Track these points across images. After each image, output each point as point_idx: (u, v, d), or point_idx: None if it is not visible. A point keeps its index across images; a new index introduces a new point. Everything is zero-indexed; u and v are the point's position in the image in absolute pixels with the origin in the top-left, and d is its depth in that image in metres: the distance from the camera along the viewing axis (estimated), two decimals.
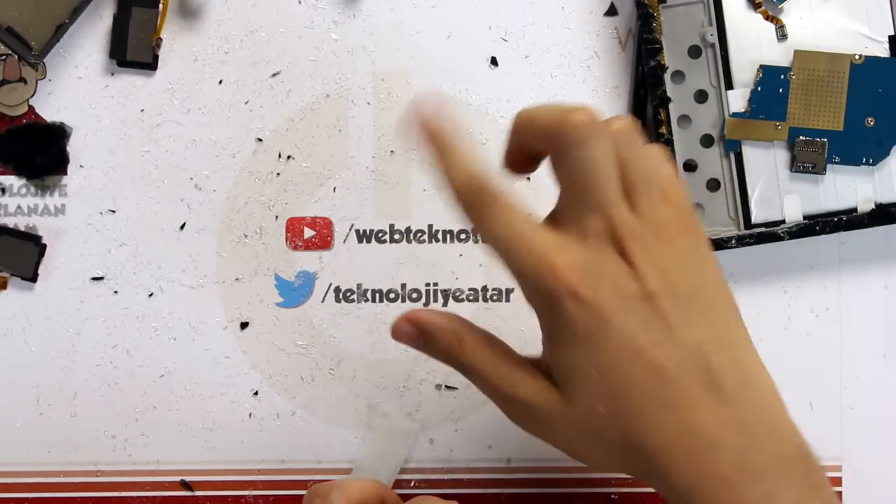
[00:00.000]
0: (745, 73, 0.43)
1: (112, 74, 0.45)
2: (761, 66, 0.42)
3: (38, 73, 0.45)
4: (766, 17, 0.43)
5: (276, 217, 0.45)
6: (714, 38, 0.43)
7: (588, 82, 0.45)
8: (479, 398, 0.45)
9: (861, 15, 0.42)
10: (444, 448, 0.45)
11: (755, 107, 0.42)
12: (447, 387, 0.45)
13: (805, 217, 0.43)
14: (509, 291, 0.45)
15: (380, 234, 0.45)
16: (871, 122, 0.42)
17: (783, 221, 0.43)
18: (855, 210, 0.43)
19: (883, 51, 0.42)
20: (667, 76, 0.43)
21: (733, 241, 0.42)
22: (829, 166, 0.42)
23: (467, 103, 0.45)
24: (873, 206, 0.42)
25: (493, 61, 0.45)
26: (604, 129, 0.30)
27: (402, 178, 0.45)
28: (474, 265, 0.45)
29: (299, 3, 0.45)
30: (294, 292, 0.45)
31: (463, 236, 0.45)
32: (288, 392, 0.45)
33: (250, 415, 0.45)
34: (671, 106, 0.43)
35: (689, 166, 0.43)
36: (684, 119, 0.43)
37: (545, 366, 0.32)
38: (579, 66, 0.45)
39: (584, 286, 0.29)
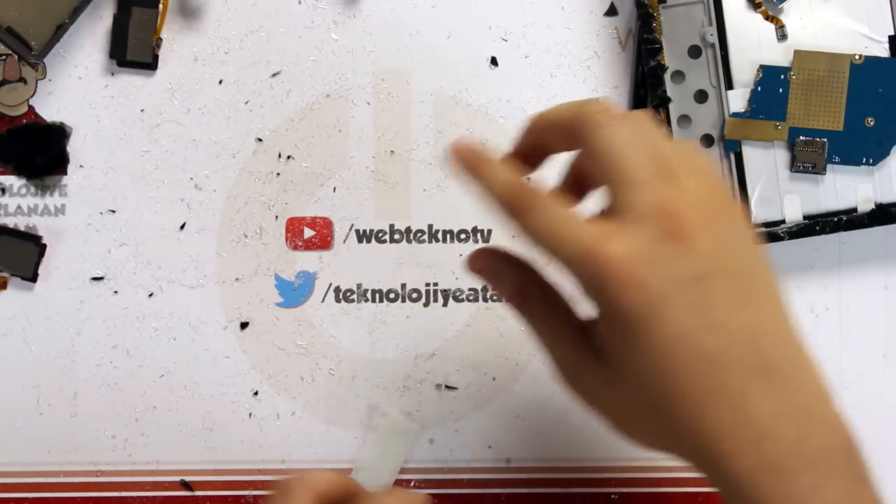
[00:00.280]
0: (745, 73, 0.43)
1: (112, 74, 0.45)
2: (761, 66, 0.42)
3: (38, 73, 0.45)
4: (766, 17, 0.43)
5: (276, 217, 0.45)
6: (714, 38, 0.43)
7: (588, 82, 0.45)
8: (479, 398, 0.45)
9: (861, 15, 0.42)
10: (444, 448, 0.45)
11: (755, 107, 0.42)
12: (447, 387, 0.45)
13: (805, 217, 0.43)
14: None
15: (380, 234, 0.45)
16: (871, 122, 0.42)
17: (783, 221, 0.43)
18: (855, 210, 0.43)
19: (883, 51, 0.42)
20: (667, 76, 0.43)
21: None
22: (829, 166, 0.42)
23: (467, 103, 0.45)
24: (873, 206, 0.42)
25: (493, 61, 0.45)
26: (624, 115, 0.30)
27: (402, 178, 0.45)
28: None
29: (299, 3, 0.45)
30: (294, 292, 0.45)
31: (463, 236, 0.45)
32: (288, 392, 0.45)
33: (250, 415, 0.45)
34: (671, 106, 0.43)
35: None
36: (684, 119, 0.43)
37: (597, 337, 0.31)
38: (579, 66, 0.45)
39: (636, 271, 0.28)
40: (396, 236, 0.45)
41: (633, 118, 0.31)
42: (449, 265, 0.45)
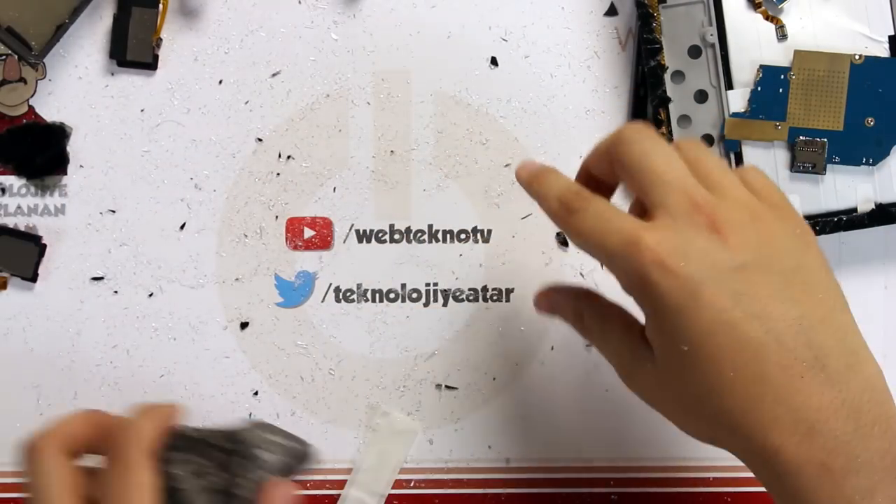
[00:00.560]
0: (745, 73, 0.43)
1: (112, 74, 0.45)
2: (761, 66, 0.42)
3: (38, 73, 0.45)
4: (766, 17, 0.43)
5: (276, 217, 0.45)
6: (714, 38, 0.43)
7: (588, 82, 0.45)
8: (479, 398, 0.45)
9: (861, 15, 0.42)
10: (444, 448, 0.45)
11: (755, 107, 0.42)
12: (447, 387, 0.45)
13: (805, 217, 0.43)
14: (509, 291, 0.45)
15: (380, 234, 0.45)
16: (871, 122, 0.42)
17: None
18: (855, 210, 0.43)
19: (883, 51, 0.42)
20: (667, 76, 0.43)
21: None
22: (829, 166, 0.42)
23: (467, 103, 0.45)
24: (873, 206, 0.42)
25: (493, 61, 0.45)
26: (657, 133, 0.32)
27: (402, 178, 0.45)
28: (474, 265, 0.45)
29: (299, 3, 0.45)
30: (294, 292, 0.45)
31: (463, 236, 0.45)
32: (288, 392, 0.45)
33: (250, 415, 0.45)
34: (671, 106, 0.43)
35: None
36: (684, 119, 0.43)
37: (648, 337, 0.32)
38: (579, 66, 0.45)
39: (671, 257, 0.29)
40: (396, 236, 0.45)
41: (675, 143, 0.32)
42: (449, 265, 0.45)
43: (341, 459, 0.45)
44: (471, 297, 0.45)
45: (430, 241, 0.45)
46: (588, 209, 0.31)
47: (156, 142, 0.45)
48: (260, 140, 0.45)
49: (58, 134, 0.45)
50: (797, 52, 0.42)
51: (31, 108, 0.45)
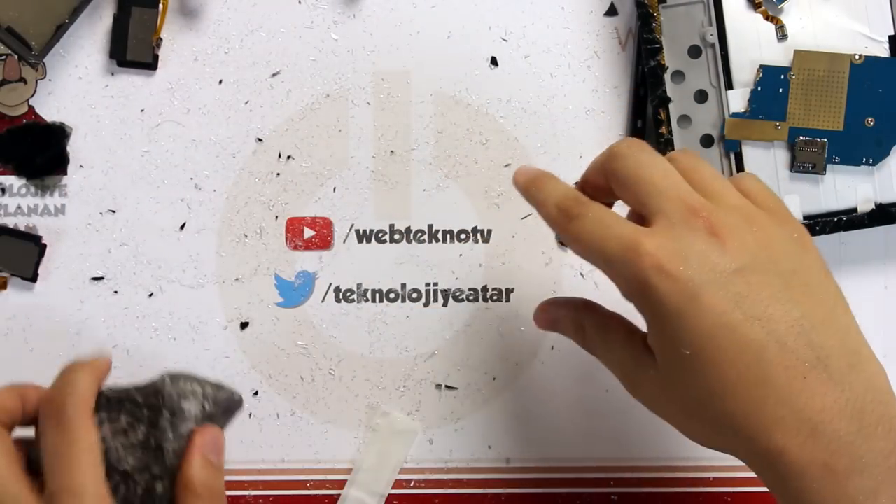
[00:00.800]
0: (745, 73, 0.43)
1: (112, 74, 0.45)
2: (761, 66, 0.42)
3: (38, 73, 0.45)
4: (766, 17, 0.43)
5: (276, 217, 0.45)
6: (714, 38, 0.43)
7: (588, 82, 0.45)
8: (479, 398, 0.45)
9: (861, 15, 0.42)
10: (444, 448, 0.45)
11: (755, 107, 0.42)
12: (447, 387, 0.45)
13: (805, 217, 0.43)
14: (509, 291, 0.45)
15: (380, 234, 0.45)
16: (871, 122, 0.42)
17: None
18: (855, 210, 0.43)
19: (883, 51, 0.42)
20: (667, 76, 0.43)
21: None
22: (829, 166, 0.42)
23: (467, 103, 0.45)
24: (873, 206, 0.42)
25: (493, 61, 0.45)
26: (649, 146, 0.32)
27: (402, 178, 0.45)
28: (474, 265, 0.45)
29: (299, 3, 0.45)
30: (294, 292, 0.45)
31: (463, 236, 0.45)
32: (288, 392, 0.45)
33: (250, 415, 0.45)
34: (671, 106, 0.43)
35: None
36: (684, 119, 0.43)
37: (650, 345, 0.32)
38: (579, 66, 0.45)
39: (670, 261, 0.29)
40: (396, 236, 0.45)
41: (669, 155, 0.33)
42: (449, 265, 0.45)
43: (341, 459, 0.45)
44: (471, 297, 0.45)
45: (430, 241, 0.45)
46: (587, 215, 0.31)
47: (156, 142, 0.45)
48: (260, 140, 0.45)
49: (58, 134, 0.45)
50: (797, 52, 0.42)
51: (31, 108, 0.45)
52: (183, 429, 0.33)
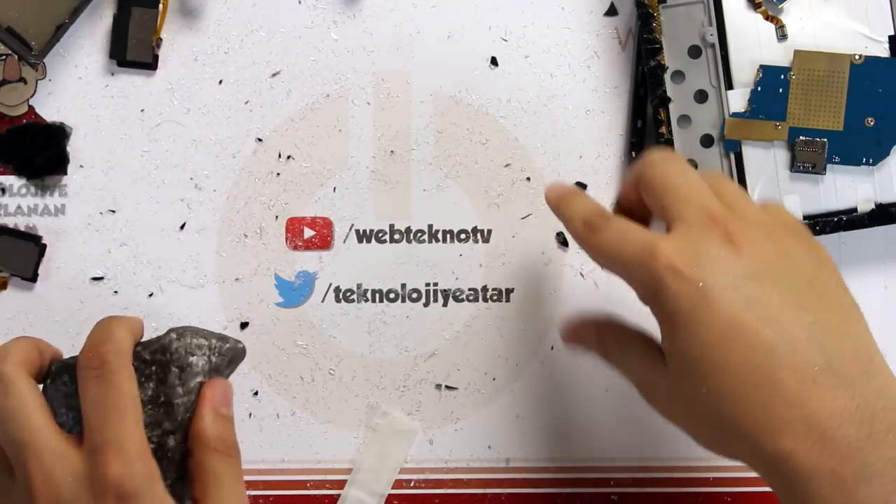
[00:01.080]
0: (745, 73, 0.43)
1: (112, 74, 0.45)
2: (761, 66, 0.42)
3: (38, 73, 0.45)
4: (766, 17, 0.43)
5: (276, 217, 0.45)
6: (714, 38, 0.43)
7: (588, 82, 0.45)
8: (479, 398, 0.45)
9: (861, 15, 0.42)
10: (443, 448, 0.45)
11: (755, 107, 0.42)
12: (447, 387, 0.45)
13: (805, 217, 0.43)
14: (509, 291, 0.45)
15: (380, 234, 0.45)
16: (871, 122, 0.42)
17: None
18: (855, 210, 0.43)
19: (883, 51, 0.42)
20: (667, 76, 0.43)
21: None
22: (829, 166, 0.42)
23: (467, 103, 0.45)
24: (873, 206, 0.42)
25: (493, 61, 0.45)
26: (681, 157, 0.34)
27: (402, 178, 0.45)
28: (474, 265, 0.45)
29: (299, 3, 0.45)
30: (294, 292, 0.45)
31: (463, 236, 0.45)
32: (288, 392, 0.45)
33: (250, 415, 0.45)
34: (671, 106, 0.43)
35: None
36: (684, 119, 0.43)
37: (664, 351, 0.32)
38: (579, 66, 0.45)
39: (685, 263, 0.29)
40: (396, 236, 0.45)
41: (699, 171, 0.33)
42: (449, 265, 0.45)
43: (341, 459, 0.45)
44: (471, 297, 0.45)
45: (430, 241, 0.45)
46: (609, 227, 0.32)
47: (156, 142, 0.45)
48: (260, 140, 0.45)
49: (58, 134, 0.45)
50: (797, 52, 0.42)
51: (31, 108, 0.45)
52: (192, 383, 0.34)
